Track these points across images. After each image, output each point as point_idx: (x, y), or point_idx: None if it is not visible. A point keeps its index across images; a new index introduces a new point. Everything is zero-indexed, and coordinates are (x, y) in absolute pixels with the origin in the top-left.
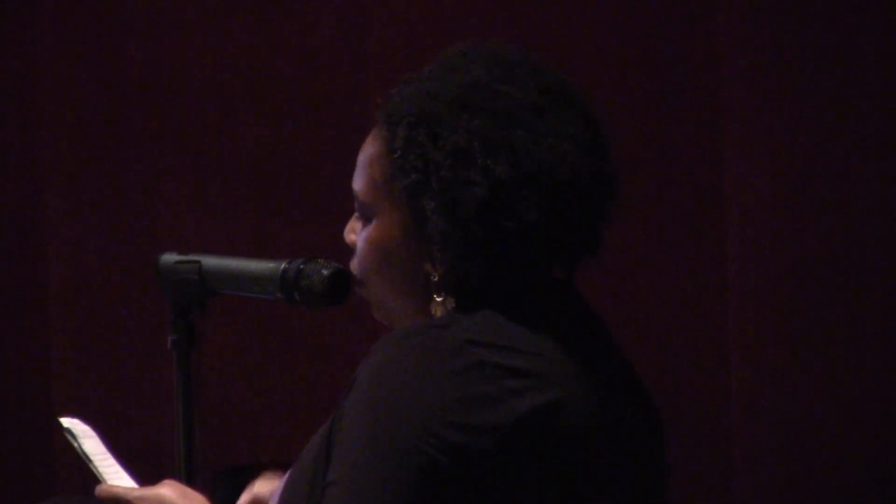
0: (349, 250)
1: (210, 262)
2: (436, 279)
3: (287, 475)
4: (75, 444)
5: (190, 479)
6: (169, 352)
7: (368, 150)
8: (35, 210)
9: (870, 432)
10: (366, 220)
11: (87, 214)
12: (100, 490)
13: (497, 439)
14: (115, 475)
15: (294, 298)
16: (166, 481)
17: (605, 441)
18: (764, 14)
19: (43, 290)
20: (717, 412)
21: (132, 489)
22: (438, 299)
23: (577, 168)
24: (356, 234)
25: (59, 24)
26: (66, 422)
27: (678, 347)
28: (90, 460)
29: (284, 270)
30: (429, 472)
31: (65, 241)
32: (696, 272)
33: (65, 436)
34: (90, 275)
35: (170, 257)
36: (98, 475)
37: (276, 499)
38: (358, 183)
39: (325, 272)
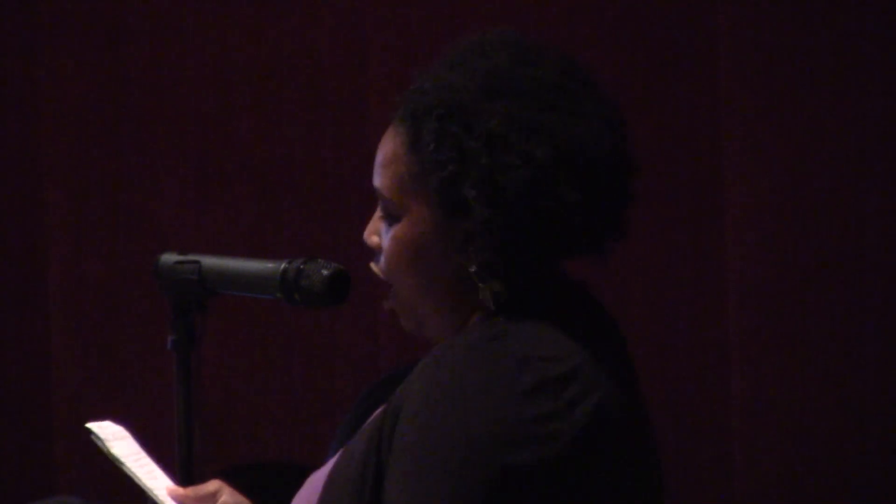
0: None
1: (210, 262)
2: (473, 269)
3: (317, 483)
4: (104, 448)
5: (190, 480)
6: (169, 352)
7: (389, 148)
8: (35, 210)
9: (870, 432)
10: (392, 218)
11: (87, 214)
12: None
13: (560, 454)
14: (148, 475)
15: (294, 298)
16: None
17: (639, 428)
18: (764, 14)
19: (43, 290)
20: (717, 412)
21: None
22: (483, 286)
23: (607, 146)
24: (379, 235)
25: (59, 24)
26: (94, 426)
27: (678, 347)
28: (122, 462)
29: (284, 270)
30: (496, 493)
31: (65, 241)
32: (695, 272)
33: (93, 440)
34: (90, 275)
35: (170, 257)
36: (132, 477)
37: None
38: (382, 182)
39: (325, 272)
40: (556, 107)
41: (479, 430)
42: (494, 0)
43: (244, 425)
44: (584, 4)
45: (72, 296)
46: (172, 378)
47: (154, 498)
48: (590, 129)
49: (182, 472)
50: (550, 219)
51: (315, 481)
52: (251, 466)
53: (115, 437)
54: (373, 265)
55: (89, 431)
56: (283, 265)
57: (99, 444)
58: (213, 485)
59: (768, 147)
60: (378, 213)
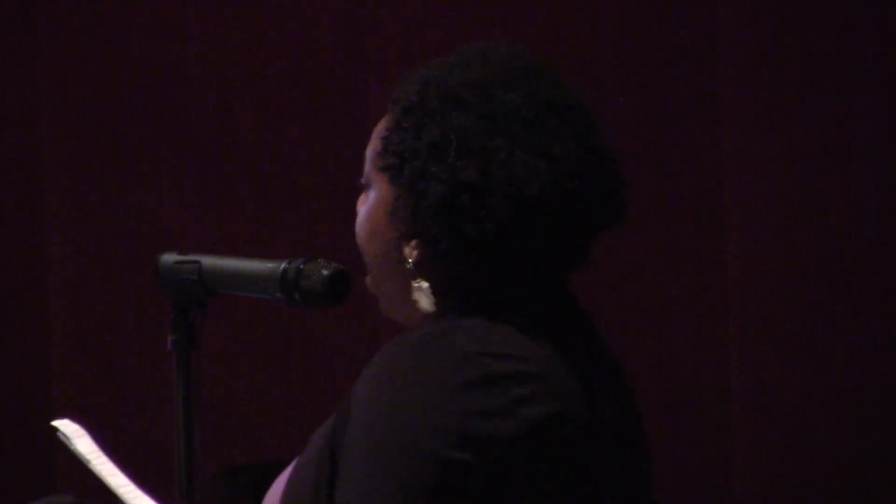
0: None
1: (210, 262)
2: (409, 265)
3: (281, 482)
4: (71, 447)
5: (190, 479)
6: (169, 352)
7: (380, 125)
8: (35, 210)
9: (870, 432)
10: (367, 189)
11: (87, 214)
12: None
13: (505, 451)
14: (109, 473)
15: (294, 298)
16: None
17: (602, 443)
18: (764, 14)
19: (43, 290)
20: (717, 412)
21: None
22: (415, 284)
23: (549, 187)
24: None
25: (59, 24)
26: (59, 424)
27: (678, 347)
28: (88, 461)
29: (284, 270)
30: (439, 487)
31: (65, 241)
32: (696, 272)
33: (59, 438)
34: (90, 275)
35: (170, 257)
36: (98, 475)
37: (270, 501)
38: (367, 152)
39: (325, 272)
40: (508, 135)
41: (418, 422)
42: (494, 0)
43: (244, 425)
44: (584, 4)
45: (72, 296)
46: (172, 378)
47: (118, 496)
48: (531, 166)
49: (182, 472)
50: (466, 240)
51: (286, 475)
52: (251, 466)
53: (76, 436)
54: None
55: (55, 430)
56: (283, 265)
57: (66, 442)
58: None
59: (768, 147)
60: None
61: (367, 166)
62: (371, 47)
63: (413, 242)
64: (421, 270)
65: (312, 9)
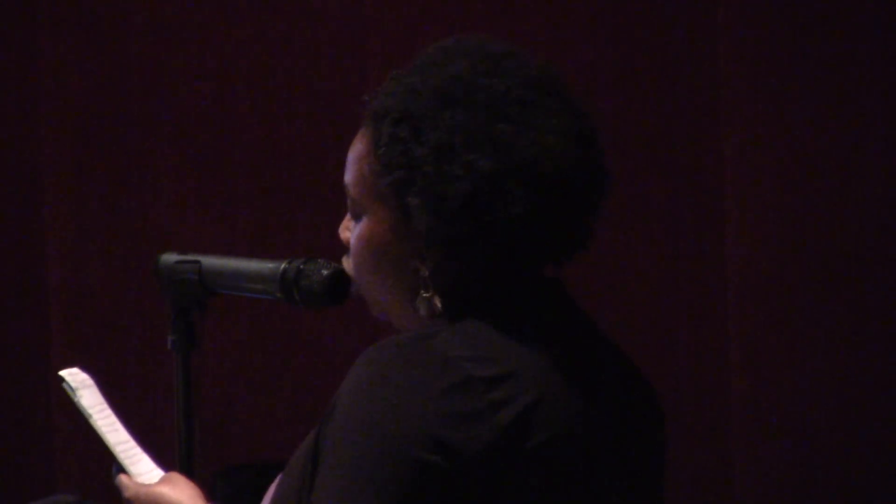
0: (348, 250)
1: (210, 262)
2: (424, 275)
3: (276, 483)
4: (74, 399)
5: (190, 479)
6: (169, 352)
7: (357, 147)
8: (35, 210)
9: (870, 432)
10: (356, 217)
11: (87, 214)
12: (117, 480)
13: (482, 453)
14: (110, 428)
15: (294, 298)
16: (169, 475)
17: (591, 441)
18: (764, 14)
19: (43, 290)
20: (717, 412)
21: (138, 486)
22: (425, 295)
23: (561, 160)
24: (350, 231)
25: (59, 24)
26: (66, 374)
27: (678, 348)
28: (89, 415)
29: (284, 270)
30: (415, 491)
31: (65, 241)
32: (695, 272)
33: (64, 389)
34: (90, 275)
35: (170, 257)
36: (97, 431)
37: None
38: (348, 179)
39: (324, 272)
40: (510, 118)
41: (395, 425)
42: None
43: (244, 425)
44: (584, 4)
45: (72, 296)
46: (172, 378)
47: (115, 455)
48: (540, 142)
49: (182, 472)
50: (493, 231)
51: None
52: (251, 466)
53: (83, 386)
54: (344, 260)
55: (62, 380)
56: (283, 265)
57: (70, 393)
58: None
59: (768, 147)
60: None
61: (356, 193)
62: (371, 47)
63: (428, 253)
64: (433, 280)
65: (312, 9)
